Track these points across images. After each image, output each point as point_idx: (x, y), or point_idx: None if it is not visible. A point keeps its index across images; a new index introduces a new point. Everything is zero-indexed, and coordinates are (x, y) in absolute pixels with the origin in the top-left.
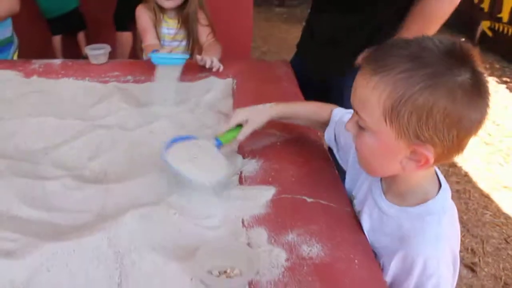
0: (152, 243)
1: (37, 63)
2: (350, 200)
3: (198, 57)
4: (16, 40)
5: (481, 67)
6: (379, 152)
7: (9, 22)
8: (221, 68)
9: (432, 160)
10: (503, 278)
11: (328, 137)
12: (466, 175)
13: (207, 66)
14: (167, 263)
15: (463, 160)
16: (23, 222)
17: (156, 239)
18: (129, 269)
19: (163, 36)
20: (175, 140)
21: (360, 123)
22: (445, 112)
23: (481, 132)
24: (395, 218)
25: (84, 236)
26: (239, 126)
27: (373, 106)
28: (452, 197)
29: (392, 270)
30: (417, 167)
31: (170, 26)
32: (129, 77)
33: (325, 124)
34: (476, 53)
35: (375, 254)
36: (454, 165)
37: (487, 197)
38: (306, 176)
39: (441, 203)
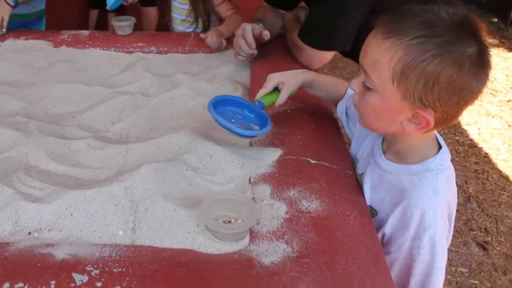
0: (164, 193)
1: (66, 34)
2: (353, 164)
3: (202, 35)
4: None
5: (486, 41)
6: (381, 112)
7: None
8: (223, 45)
9: (432, 124)
10: None
11: (340, 110)
12: (486, 156)
13: (207, 43)
14: (176, 210)
15: (484, 141)
16: (50, 175)
17: (168, 189)
18: (142, 215)
19: (174, 10)
20: (221, 101)
21: (367, 83)
22: (451, 80)
23: (506, 114)
24: (395, 175)
25: (103, 186)
26: (276, 90)
27: (383, 68)
28: (470, 177)
29: (391, 223)
30: (416, 129)
31: (182, 1)
32: (153, 48)
33: (340, 99)
34: (484, 27)
35: (376, 212)
36: (474, 146)
37: (506, 178)
38: (313, 140)
39: (439, 162)
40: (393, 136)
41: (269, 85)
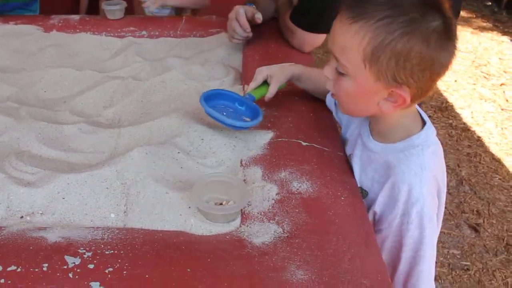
0: (155, 176)
1: (56, 19)
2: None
3: None
4: None
5: (450, 13)
6: (356, 95)
7: None
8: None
9: (409, 100)
10: (505, 239)
11: (329, 100)
12: (478, 139)
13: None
14: (168, 193)
15: (476, 124)
16: (42, 160)
17: (159, 172)
18: (134, 198)
19: None
20: (212, 95)
21: (339, 69)
22: (421, 56)
23: (499, 98)
24: (382, 154)
25: (95, 169)
26: (265, 83)
27: (353, 52)
28: (462, 161)
29: (380, 200)
30: (393, 108)
31: None
32: (144, 32)
33: (327, 92)
34: (446, 0)
35: (366, 193)
36: (467, 129)
37: (498, 161)
38: (304, 123)
39: (424, 138)
40: (375, 117)
41: (258, 78)
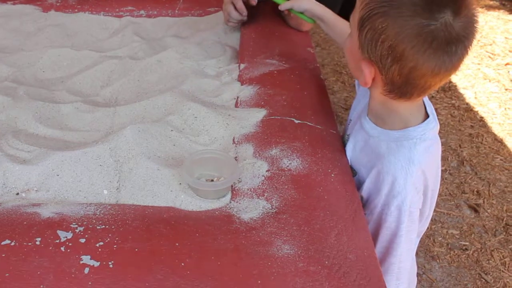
0: (147, 153)
1: None
2: (347, 124)
3: None
4: None
5: (470, 25)
6: (349, 54)
7: None
8: None
9: (369, 82)
10: (505, 219)
11: None
12: (481, 120)
13: None
14: (160, 169)
15: (480, 105)
16: (38, 138)
17: (151, 150)
18: (126, 175)
19: None
20: None
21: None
22: (390, 43)
23: (503, 78)
24: (376, 139)
25: (89, 147)
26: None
27: (355, 13)
28: (464, 141)
29: (367, 186)
30: (362, 83)
31: None
32: (142, 12)
33: None
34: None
35: (355, 173)
36: (470, 110)
37: (500, 142)
38: (298, 101)
39: (421, 132)
40: (371, 97)
41: None
